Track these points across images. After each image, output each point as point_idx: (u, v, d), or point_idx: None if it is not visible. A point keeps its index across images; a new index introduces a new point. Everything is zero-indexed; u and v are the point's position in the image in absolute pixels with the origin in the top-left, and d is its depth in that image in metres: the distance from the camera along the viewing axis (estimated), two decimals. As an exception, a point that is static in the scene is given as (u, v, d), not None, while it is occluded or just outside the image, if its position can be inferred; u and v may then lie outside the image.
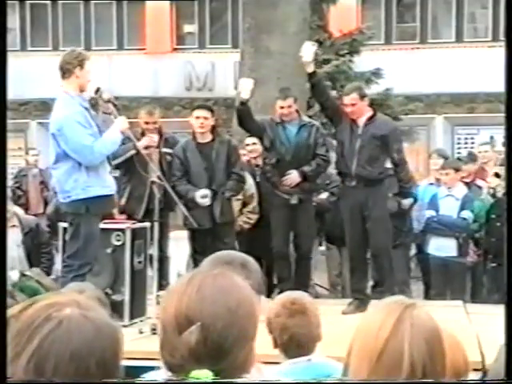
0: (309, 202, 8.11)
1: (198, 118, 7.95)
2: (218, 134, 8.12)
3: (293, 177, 7.86)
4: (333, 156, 8.17)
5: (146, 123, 8.20)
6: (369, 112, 7.67)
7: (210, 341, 1.79)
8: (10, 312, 1.71)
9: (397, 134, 7.96)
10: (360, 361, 2.01)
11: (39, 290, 6.93)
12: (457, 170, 8.98)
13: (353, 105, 7.52)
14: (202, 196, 7.85)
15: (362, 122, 7.60)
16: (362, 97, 7.59)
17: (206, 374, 1.77)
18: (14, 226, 8.46)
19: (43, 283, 7.20)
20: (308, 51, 7.59)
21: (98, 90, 6.59)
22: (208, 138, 8.02)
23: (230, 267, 2.51)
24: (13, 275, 7.16)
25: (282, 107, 7.88)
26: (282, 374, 3.31)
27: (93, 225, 6.56)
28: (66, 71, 6.43)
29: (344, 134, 7.67)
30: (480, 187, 9.41)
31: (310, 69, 7.65)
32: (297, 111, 8.02)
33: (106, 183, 6.60)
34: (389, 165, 7.76)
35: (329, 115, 7.93)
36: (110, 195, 6.68)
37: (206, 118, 7.93)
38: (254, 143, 8.80)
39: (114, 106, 6.66)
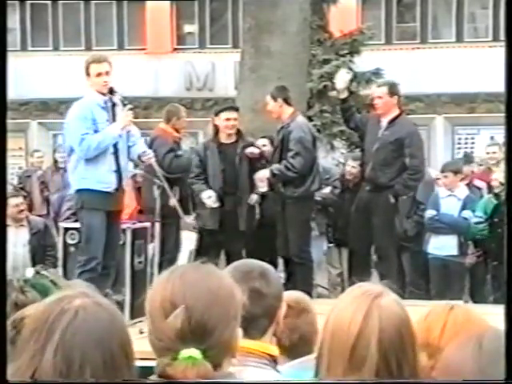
0: (294, 208, 7.89)
1: (228, 119, 7.98)
2: (241, 136, 8.15)
3: (262, 171, 7.91)
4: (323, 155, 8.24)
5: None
6: (394, 112, 7.61)
7: (193, 321, 1.88)
8: (23, 313, 1.76)
9: (414, 138, 7.64)
10: (333, 358, 2.05)
11: (51, 289, 6.94)
12: (456, 172, 8.99)
13: (380, 97, 7.57)
14: (208, 197, 7.87)
15: (384, 123, 7.56)
16: (392, 93, 7.57)
17: (193, 353, 1.84)
18: (22, 225, 8.52)
19: (58, 283, 7.20)
20: (342, 79, 7.68)
21: (111, 90, 6.71)
22: (232, 139, 8.07)
23: (249, 276, 2.54)
24: (27, 272, 7.19)
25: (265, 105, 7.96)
26: (294, 374, 3.31)
27: (92, 219, 6.63)
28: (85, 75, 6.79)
29: (366, 139, 7.70)
30: (479, 188, 9.43)
31: (343, 95, 7.77)
32: (294, 112, 7.93)
33: (103, 179, 6.66)
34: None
35: (356, 132, 8.27)
36: (107, 192, 6.70)
37: (235, 119, 8.01)
38: (264, 145, 8.80)
39: (124, 105, 6.77)
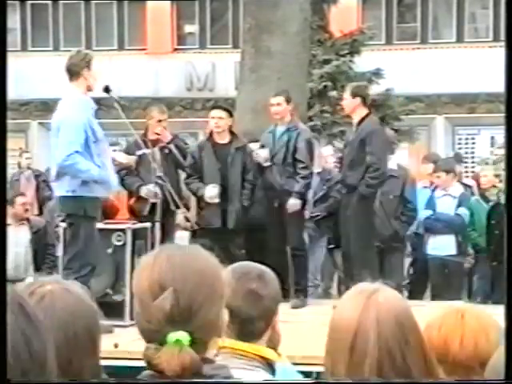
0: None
1: (213, 117, 8.12)
2: (235, 136, 8.22)
3: (291, 204, 7.89)
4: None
5: (159, 121, 8.25)
6: (362, 114, 7.79)
7: (182, 303, 1.88)
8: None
9: (374, 136, 7.74)
10: (335, 357, 2.06)
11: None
12: (448, 171, 9.06)
13: (344, 99, 7.93)
14: (213, 187, 7.92)
15: (354, 127, 7.87)
16: (354, 95, 7.78)
17: (181, 336, 1.85)
18: (23, 224, 8.54)
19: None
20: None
21: (107, 89, 6.59)
22: (225, 139, 8.13)
23: (246, 277, 2.53)
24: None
25: (271, 104, 8.03)
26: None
27: (86, 227, 6.46)
28: (73, 73, 6.34)
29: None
30: (469, 186, 9.55)
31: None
32: (292, 115, 8.10)
33: (89, 185, 6.51)
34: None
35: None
36: (95, 197, 6.55)
37: (220, 118, 8.07)
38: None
39: (120, 105, 6.70)
